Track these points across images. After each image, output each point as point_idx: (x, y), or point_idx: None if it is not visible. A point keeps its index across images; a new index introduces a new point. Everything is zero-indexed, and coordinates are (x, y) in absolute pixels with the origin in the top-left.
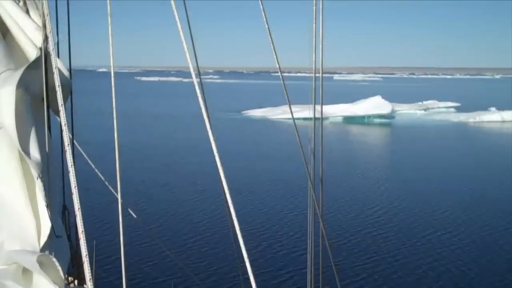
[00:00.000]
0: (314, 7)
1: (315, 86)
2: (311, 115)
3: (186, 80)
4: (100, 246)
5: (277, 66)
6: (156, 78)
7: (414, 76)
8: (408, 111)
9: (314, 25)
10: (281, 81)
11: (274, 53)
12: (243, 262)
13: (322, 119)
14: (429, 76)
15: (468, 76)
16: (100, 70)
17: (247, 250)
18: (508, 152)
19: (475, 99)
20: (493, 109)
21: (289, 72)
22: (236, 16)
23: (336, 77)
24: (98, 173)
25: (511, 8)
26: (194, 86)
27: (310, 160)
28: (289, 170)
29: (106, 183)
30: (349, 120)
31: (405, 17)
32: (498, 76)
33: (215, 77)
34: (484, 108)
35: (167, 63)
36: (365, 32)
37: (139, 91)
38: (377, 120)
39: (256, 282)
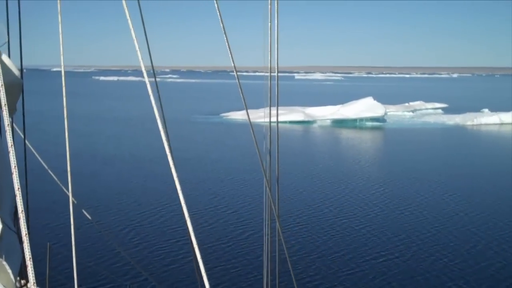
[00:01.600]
0: (269, 7)
1: (271, 86)
2: (297, 118)
3: (145, 79)
4: (55, 247)
5: (233, 65)
6: (114, 78)
7: (373, 75)
8: (396, 113)
9: (269, 24)
10: (237, 81)
11: (229, 52)
12: (198, 262)
13: (278, 118)
14: (387, 75)
15: (425, 75)
16: (54, 69)
17: (201, 250)
18: (504, 155)
19: (459, 99)
20: (486, 110)
21: (246, 72)
22: (192, 16)
23: (297, 76)
24: (51, 173)
25: (465, 8)
26: (151, 84)
27: (267, 159)
28: (247, 170)
29: (59, 183)
30: (339, 123)
31: (361, 17)
32: (455, 75)
33: (174, 76)
34: (475, 109)
35: (122, 62)
36: (322, 31)
37: (98, 91)
38: (369, 124)
39: (212, 281)
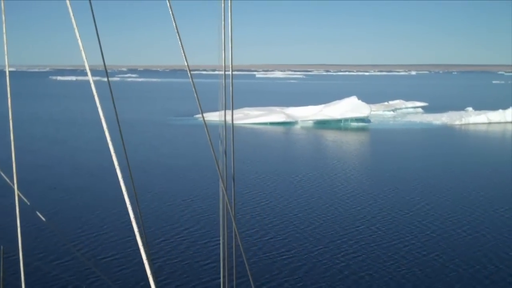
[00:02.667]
0: (223, 5)
1: (225, 84)
2: (278, 119)
3: (105, 79)
4: (8, 250)
5: (186, 64)
6: (73, 78)
7: (333, 73)
8: (376, 112)
9: (222, 23)
10: (190, 80)
11: (182, 52)
12: (145, 263)
13: (233, 118)
14: (346, 73)
15: (384, 73)
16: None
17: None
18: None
19: (436, 98)
20: (470, 109)
21: (205, 70)
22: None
23: (258, 74)
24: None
25: (420, 7)
26: (100, 84)
27: (223, 160)
28: (204, 171)
29: (10, 184)
30: (322, 124)
31: (317, 16)
32: (413, 73)
33: (134, 75)
34: (457, 108)
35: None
36: (280, 30)
37: (58, 92)
38: (354, 124)
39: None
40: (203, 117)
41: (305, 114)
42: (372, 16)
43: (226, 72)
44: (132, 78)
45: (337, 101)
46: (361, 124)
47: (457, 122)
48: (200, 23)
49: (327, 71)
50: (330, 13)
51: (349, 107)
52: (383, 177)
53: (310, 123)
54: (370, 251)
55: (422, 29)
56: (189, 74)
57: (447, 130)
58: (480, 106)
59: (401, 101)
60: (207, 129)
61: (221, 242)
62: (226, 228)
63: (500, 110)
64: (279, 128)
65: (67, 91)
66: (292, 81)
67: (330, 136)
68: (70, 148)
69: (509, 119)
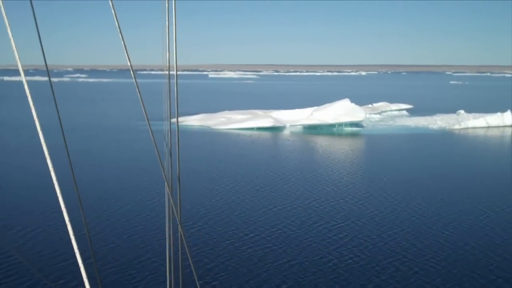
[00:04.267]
0: (167, 5)
1: (170, 84)
2: (266, 124)
3: (54, 79)
4: None
5: (129, 64)
6: (17, 78)
7: (284, 73)
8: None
9: (166, 22)
10: (133, 80)
11: (125, 52)
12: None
13: (178, 119)
14: (297, 73)
15: (335, 73)
16: None
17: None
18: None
19: (418, 100)
20: (462, 112)
21: (152, 70)
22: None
23: (211, 75)
24: None
25: (370, 8)
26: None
27: (169, 162)
28: (150, 173)
29: None
30: (313, 129)
31: (266, 15)
32: (363, 73)
33: (83, 75)
34: (447, 110)
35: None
36: (228, 30)
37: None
38: (348, 129)
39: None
40: (147, 118)
41: (294, 118)
42: (321, 16)
43: (171, 72)
44: (82, 78)
45: (329, 104)
46: (355, 129)
47: (457, 127)
48: (145, 22)
49: (277, 71)
50: (278, 12)
51: (342, 111)
52: (387, 188)
53: (299, 128)
54: (335, 257)
55: (368, 30)
56: (132, 74)
57: (450, 136)
58: (471, 109)
59: (386, 103)
60: (151, 130)
61: (167, 244)
62: (172, 231)
63: (499, 113)
64: (267, 134)
65: (6, 91)
66: (248, 81)
67: (325, 142)
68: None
69: (508, 123)
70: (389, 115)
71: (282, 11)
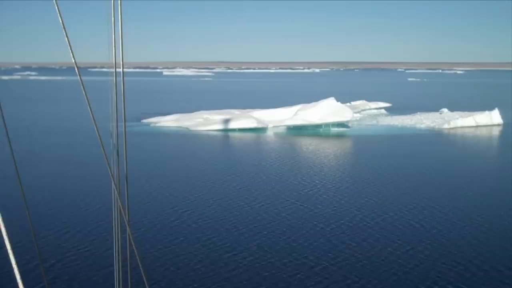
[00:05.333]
0: (112, 2)
1: (116, 82)
2: (249, 125)
3: (3, 77)
4: None
5: (73, 61)
6: None
7: (237, 70)
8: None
9: (112, 19)
10: (78, 77)
11: (70, 49)
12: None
13: (125, 118)
14: (251, 70)
15: (289, 70)
16: None
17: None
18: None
19: (393, 98)
20: (445, 110)
21: (101, 68)
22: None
23: (165, 72)
24: None
25: (317, 6)
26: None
27: (115, 161)
28: (99, 174)
29: None
30: (298, 130)
31: (217, 12)
32: (317, 70)
33: (33, 73)
34: (429, 109)
35: None
36: (179, 27)
37: None
38: (335, 130)
39: None
40: (92, 117)
41: (278, 118)
42: (270, 13)
43: (117, 70)
44: (33, 76)
45: (314, 103)
46: (342, 129)
47: (446, 126)
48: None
49: (229, 68)
50: (228, 10)
51: (328, 110)
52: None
53: (284, 129)
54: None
55: (317, 27)
56: (77, 71)
57: (441, 136)
58: (452, 107)
59: (365, 101)
60: (97, 129)
61: (114, 245)
62: (119, 232)
63: (487, 112)
64: (250, 136)
65: None
66: (206, 79)
67: (314, 144)
68: None
69: (496, 122)
70: (370, 113)
71: (232, 8)
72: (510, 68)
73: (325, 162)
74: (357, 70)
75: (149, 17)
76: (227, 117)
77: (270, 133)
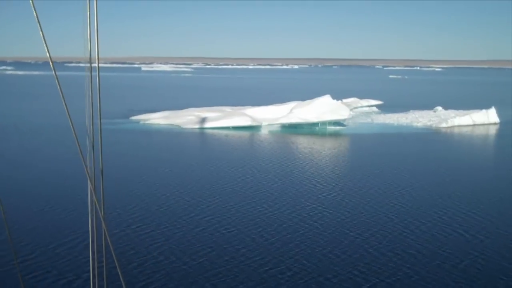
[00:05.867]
0: None
1: (92, 77)
2: (246, 123)
3: None
4: None
5: (48, 56)
6: None
7: (216, 66)
8: None
9: (88, 13)
10: (53, 72)
11: (44, 43)
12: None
13: (101, 114)
14: (229, 66)
15: (268, 67)
16: None
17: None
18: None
19: (384, 95)
20: (440, 108)
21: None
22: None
23: (143, 67)
24: None
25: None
26: None
27: (91, 157)
28: (74, 170)
29: None
30: (294, 129)
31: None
32: (296, 66)
33: (10, 68)
34: (422, 107)
35: None
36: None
37: None
38: (331, 128)
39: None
40: (67, 111)
41: (272, 116)
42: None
43: (93, 65)
44: (9, 71)
45: (309, 101)
46: (338, 128)
47: (444, 125)
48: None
49: (207, 64)
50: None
51: (325, 108)
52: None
53: (279, 127)
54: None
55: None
56: (51, 66)
57: (440, 135)
58: (446, 105)
59: (356, 99)
60: (72, 124)
61: (90, 241)
62: (95, 227)
63: (484, 110)
64: (244, 134)
65: None
66: (185, 74)
67: (311, 143)
68: None
69: (493, 120)
70: (362, 111)
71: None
72: (484, 66)
73: (326, 161)
74: (336, 67)
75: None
76: (219, 114)
77: (264, 131)
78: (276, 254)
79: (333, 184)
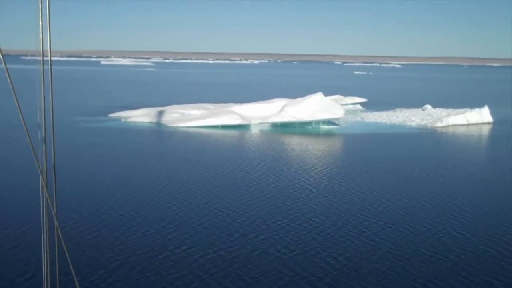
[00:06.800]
0: None
1: (43, 71)
2: (235, 121)
3: None
4: None
5: None
6: None
7: (175, 61)
8: None
9: (40, 4)
10: (3, 65)
11: None
12: None
13: (53, 110)
14: (189, 61)
15: (227, 62)
16: None
17: None
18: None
19: (365, 93)
20: (429, 106)
21: (33, 56)
22: None
23: (103, 61)
24: None
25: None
26: None
27: (42, 151)
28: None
29: None
30: (285, 128)
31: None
32: (256, 62)
33: None
34: (409, 105)
35: None
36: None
37: None
38: (325, 127)
39: None
40: (18, 105)
41: (262, 114)
42: (204, 3)
43: (45, 58)
44: None
45: (300, 98)
46: (331, 127)
47: (439, 124)
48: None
49: (165, 58)
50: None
51: (318, 107)
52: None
53: (270, 126)
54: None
55: (255, 18)
56: (2, 59)
57: (436, 135)
58: (434, 103)
59: (340, 96)
60: (23, 119)
61: (42, 238)
62: (47, 224)
63: (477, 109)
64: (234, 133)
65: None
66: (149, 69)
67: (305, 144)
68: None
69: (486, 120)
70: (349, 109)
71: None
72: (441, 62)
73: (327, 164)
74: (296, 62)
75: (80, 5)
76: (205, 112)
77: (255, 130)
78: (256, 265)
79: (339, 189)
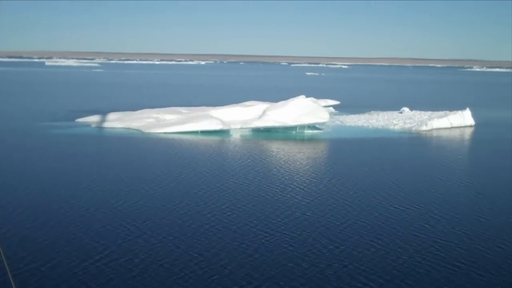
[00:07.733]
0: None
1: None
2: (213, 127)
3: None
4: None
5: None
6: None
7: (120, 62)
8: None
9: None
10: None
11: None
12: None
13: None
14: (134, 61)
15: (173, 62)
16: None
17: None
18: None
19: (333, 95)
20: (407, 109)
21: None
22: None
23: (47, 62)
24: None
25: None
26: None
27: None
28: None
29: None
30: (267, 133)
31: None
32: (203, 62)
33: None
34: (385, 107)
35: None
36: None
37: None
38: (309, 132)
39: None
40: None
41: (242, 118)
42: (145, 3)
43: None
44: None
45: (283, 102)
46: (314, 131)
47: (424, 128)
48: None
49: (109, 59)
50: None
51: (302, 110)
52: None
53: (251, 131)
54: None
55: (199, 18)
56: None
57: (420, 139)
58: (413, 106)
59: (313, 99)
60: None
61: None
62: None
63: (460, 112)
64: (215, 140)
65: None
66: (97, 70)
67: (291, 150)
68: None
69: (468, 123)
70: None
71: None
72: (384, 63)
73: (317, 173)
74: (242, 63)
75: (15, 4)
76: (180, 116)
77: (236, 136)
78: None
79: (332, 199)
